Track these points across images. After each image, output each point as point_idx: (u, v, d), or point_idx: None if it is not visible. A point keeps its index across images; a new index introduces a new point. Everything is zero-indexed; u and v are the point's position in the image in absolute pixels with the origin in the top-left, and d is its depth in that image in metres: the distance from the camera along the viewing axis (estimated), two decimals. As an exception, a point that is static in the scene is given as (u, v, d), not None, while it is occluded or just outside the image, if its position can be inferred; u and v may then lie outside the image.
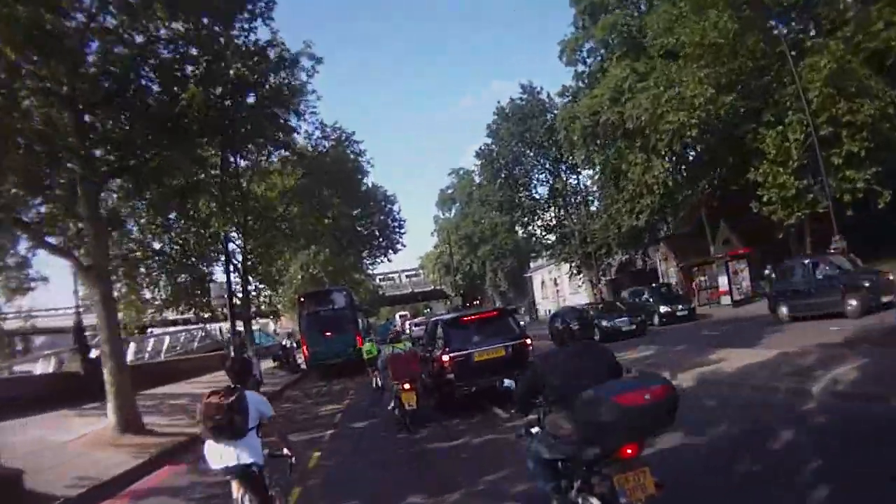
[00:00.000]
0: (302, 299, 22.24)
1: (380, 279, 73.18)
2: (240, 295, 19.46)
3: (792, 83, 20.01)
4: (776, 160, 21.07)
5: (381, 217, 37.50)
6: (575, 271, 40.76)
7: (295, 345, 25.46)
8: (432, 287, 72.48)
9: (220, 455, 4.06)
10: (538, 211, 38.95)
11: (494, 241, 62.37)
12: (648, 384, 3.07)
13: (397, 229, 39.06)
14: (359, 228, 37.51)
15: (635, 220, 27.65)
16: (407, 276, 79.19)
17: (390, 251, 39.82)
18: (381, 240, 39.00)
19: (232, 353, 16.32)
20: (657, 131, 23.95)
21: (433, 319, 14.77)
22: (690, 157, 26.29)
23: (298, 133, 19.08)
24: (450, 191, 68.86)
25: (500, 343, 10.01)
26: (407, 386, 9.34)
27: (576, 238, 36.73)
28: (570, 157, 32.81)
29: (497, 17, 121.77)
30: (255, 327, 48.26)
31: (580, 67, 30.92)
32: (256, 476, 4.11)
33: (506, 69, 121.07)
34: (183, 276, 18.65)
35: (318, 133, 21.97)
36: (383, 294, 71.25)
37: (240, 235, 19.68)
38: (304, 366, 23.73)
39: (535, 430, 3.84)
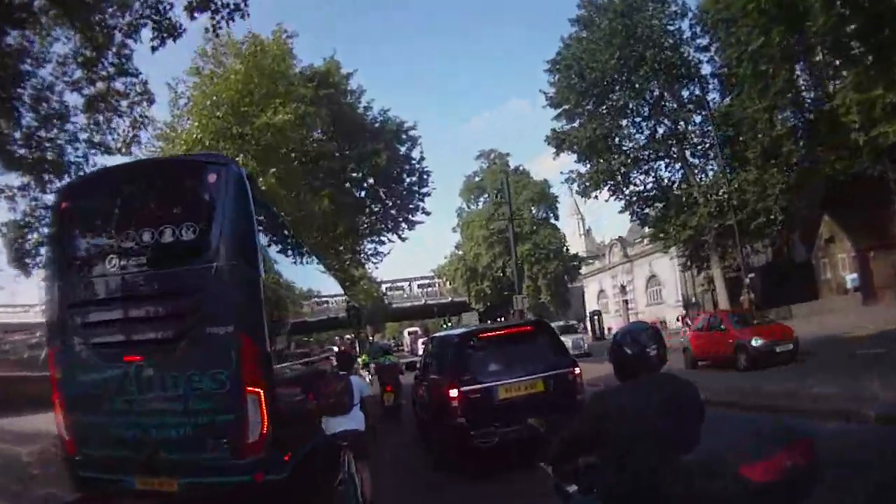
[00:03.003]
0: (64, 207, 5.27)
1: (386, 287, 59.31)
2: None
3: None
4: None
5: (393, 161, 23.24)
6: (687, 263, 26.49)
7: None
8: (450, 299, 58.67)
9: (334, 425, 5.49)
10: (642, 162, 24.54)
11: (534, 239, 48.76)
12: (789, 442, 2.09)
13: (417, 187, 24.87)
14: (354, 187, 23.41)
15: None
16: (419, 286, 65.84)
17: (403, 225, 25.47)
18: (388, 202, 24.81)
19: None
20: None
21: (437, 336, 10.48)
22: None
23: None
24: (478, 178, 55.26)
25: (539, 374, 6.68)
26: (389, 388, 12.13)
27: (706, 206, 22.33)
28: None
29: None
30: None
31: None
32: (360, 439, 5.53)
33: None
34: None
35: None
36: (390, 304, 57.27)
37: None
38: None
39: (572, 489, 2.61)
